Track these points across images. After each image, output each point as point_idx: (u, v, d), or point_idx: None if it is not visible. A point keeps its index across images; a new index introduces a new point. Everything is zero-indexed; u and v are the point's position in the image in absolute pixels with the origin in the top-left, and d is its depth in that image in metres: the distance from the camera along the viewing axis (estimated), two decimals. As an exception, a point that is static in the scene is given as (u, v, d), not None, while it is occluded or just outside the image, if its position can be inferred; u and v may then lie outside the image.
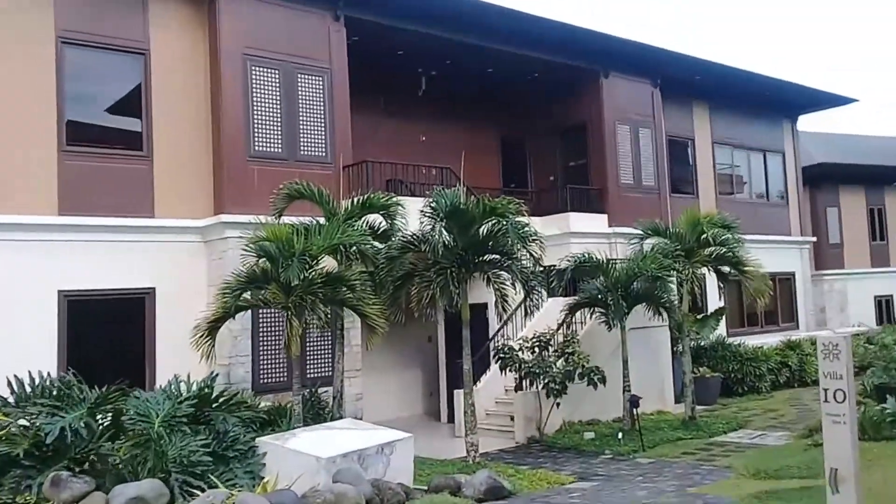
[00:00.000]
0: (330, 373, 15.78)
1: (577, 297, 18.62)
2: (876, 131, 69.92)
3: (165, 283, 15.58)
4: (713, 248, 19.46)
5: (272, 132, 16.58)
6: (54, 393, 11.26)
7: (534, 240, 15.31)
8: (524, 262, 15.55)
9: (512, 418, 17.79)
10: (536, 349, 17.65)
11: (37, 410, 10.92)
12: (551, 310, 19.10)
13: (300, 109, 17.01)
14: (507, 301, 15.23)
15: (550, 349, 17.79)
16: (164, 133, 15.90)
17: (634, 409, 16.99)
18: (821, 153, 33.60)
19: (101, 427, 11.15)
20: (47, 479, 10.17)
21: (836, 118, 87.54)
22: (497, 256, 15.55)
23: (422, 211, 15.14)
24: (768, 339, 25.50)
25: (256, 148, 16.33)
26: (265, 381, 15.77)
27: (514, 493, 12.26)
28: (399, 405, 20.92)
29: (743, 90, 27.71)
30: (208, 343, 13.19)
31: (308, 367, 16.27)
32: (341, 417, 14.45)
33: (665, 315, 18.90)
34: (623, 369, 17.78)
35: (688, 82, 25.76)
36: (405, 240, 15.38)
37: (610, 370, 17.60)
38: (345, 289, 13.90)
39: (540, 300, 16.51)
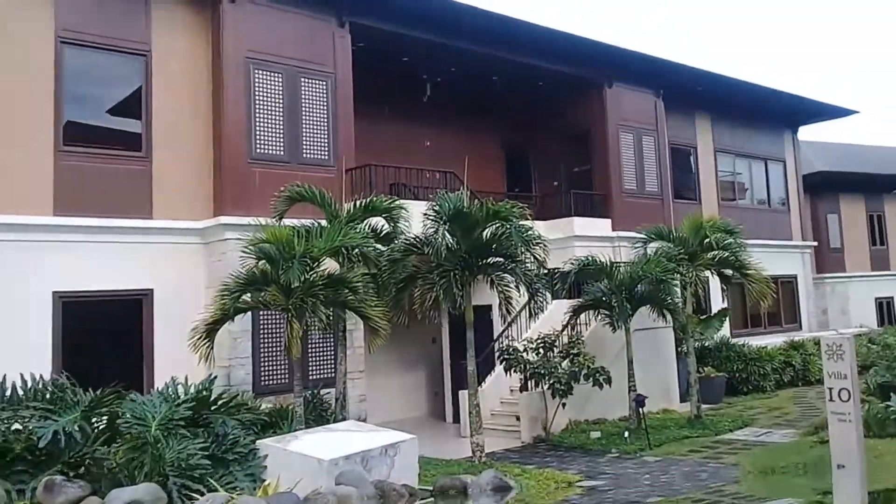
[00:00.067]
0: (333, 374, 15.25)
1: (581, 300, 18.17)
2: (870, 134, 70.03)
3: (164, 285, 15.01)
4: (716, 252, 19.06)
5: (274, 135, 16.11)
6: (47, 396, 10.70)
7: (537, 243, 14.84)
8: (528, 264, 15.04)
9: (517, 418, 17.34)
10: (541, 350, 17.20)
11: (29, 414, 10.38)
12: (556, 312, 18.65)
13: (303, 113, 16.54)
14: (510, 303, 14.76)
15: (555, 350, 17.37)
16: (164, 134, 15.39)
17: (640, 408, 16.51)
18: (821, 162, 33.44)
19: (96, 431, 10.59)
20: (41, 484, 9.69)
21: (830, 124, 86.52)
22: (501, 259, 15.08)
23: (425, 214, 14.71)
24: (772, 340, 25.02)
25: (258, 150, 15.84)
26: (266, 382, 15.21)
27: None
28: (403, 406, 20.37)
29: (744, 101, 27.48)
30: (206, 345, 12.65)
31: (310, 368, 15.76)
32: (344, 419, 13.93)
33: (669, 317, 18.48)
34: (628, 369, 17.27)
35: (690, 92, 25.50)
36: (408, 242, 14.92)
37: (615, 371, 17.14)
38: (346, 291, 13.42)
39: (544, 302, 16.09)
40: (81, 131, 14.88)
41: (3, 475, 9.88)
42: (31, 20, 14.28)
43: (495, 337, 18.79)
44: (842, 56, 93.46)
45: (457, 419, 18.36)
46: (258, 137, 15.85)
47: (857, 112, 31.14)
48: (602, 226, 22.24)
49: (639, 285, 17.61)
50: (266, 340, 15.30)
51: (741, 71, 53.69)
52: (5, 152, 13.81)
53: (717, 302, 23.65)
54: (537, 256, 14.95)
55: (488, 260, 15.01)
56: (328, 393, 15.00)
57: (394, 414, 19.07)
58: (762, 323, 27.61)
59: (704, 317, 22.67)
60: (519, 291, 15.13)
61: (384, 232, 15.03)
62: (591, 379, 16.56)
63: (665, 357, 20.52)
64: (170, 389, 11.18)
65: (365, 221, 14.80)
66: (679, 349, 20.42)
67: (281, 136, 16.16)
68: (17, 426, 10.38)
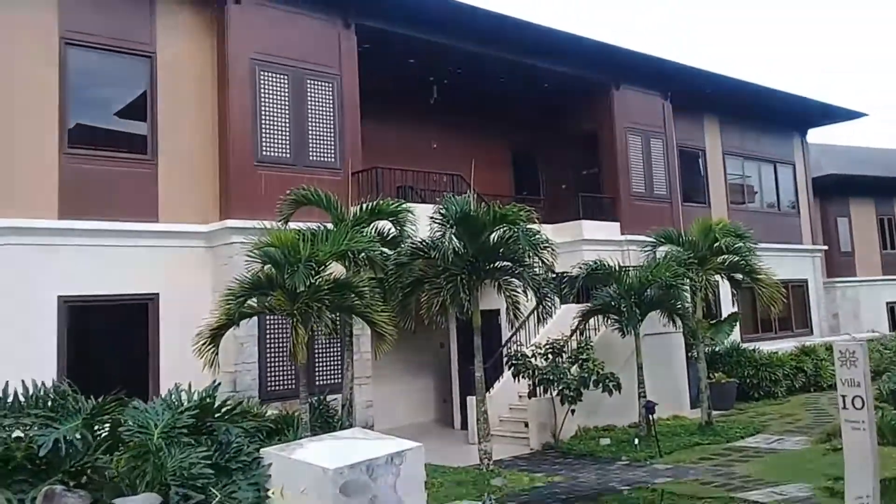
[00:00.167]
0: (340, 380, 15.06)
1: (590, 304, 17.93)
2: (871, 134, 69.71)
3: (169, 289, 14.81)
4: (726, 256, 18.93)
5: (280, 137, 15.94)
6: (49, 403, 10.47)
7: (545, 247, 14.64)
8: (536, 268, 14.86)
9: (526, 425, 17.10)
10: (550, 356, 16.99)
11: (30, 421, 10.13)
12: (564, 316, 18.38)
13: (309, 115, 16.38)
14: (518, 308, 14.60)
15: (564, 356, 17.14)
16: (170, 137, 15.21)
17: (650, 415, 16.28)
18: (830, 164, 33.20)
19: (98, 439, 10.35)
20: (40, 494, 9.38)
21: (835, 125, 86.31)
22: (508, 263, 14.90)
23: (431, 217, 14.53)
24: (783, 345, 24.80)
25: (264, 153, 15.67)
26: (273, 388, 15.02)
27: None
28: (411, 412, 20.20)
29: (753, 103, 27.25)
30: (211, 350, 12.42)
31: (317, 374, 15.54)
32: (351, 425, 13.75)
33: (679, 321, 18.23)
34: (638, 375, 17.04)
35: (698, 94, 25.30)
36: (415, 246, 14.74)
37: (625, 376, 16.93)
38: (353, 295, 13.16)
39: (552, 307, 15.81)
40: (86, 134, 14.72)
41: (3, 484, 9.65)
42: (35, 22, 14.09)
43: (503, 342, 18.56)
44: (841, 56, 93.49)
45: (465, 426, 18.11)
46: (264, 140, 15.69)
47: (866, 115, 30.95)
48: (611, 229, 22.08)
49: (648, 290, 17.37)
50: (272, 345, 15.12)
51: (741, 71, 53.69)
52: (9, 155, 13.65)
53: (728, 306, 23.42)
54: (545, 260, 14.75)
55: (496, 264, 14.84)
56: (335, 399, 14.79)
57: (401, 420, 18.94)
58: (773, 328, 27.36)
59: (714, 321, 22.38)
60: (527, 296, 14.94)
61: (391, 235, 14.86)
62: (600, 385, 16.32)
63: (675, 362, 20.27)
64: (173, 396, 10.94)
65: (371, 225, 14.64)
66: (689, 354, 20.17)
67: (287, 138, 15.99)
68: (18, 434, 10.15)
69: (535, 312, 15.81)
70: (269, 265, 12.51)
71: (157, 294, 14.75)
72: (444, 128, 21.69)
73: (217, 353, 12.55)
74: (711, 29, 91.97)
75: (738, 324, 23.27)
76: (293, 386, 14.47)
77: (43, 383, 10.94)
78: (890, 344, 24.71)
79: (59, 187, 13.98)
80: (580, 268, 17.85)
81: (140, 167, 14.95)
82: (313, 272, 12.27)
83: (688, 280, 17.96)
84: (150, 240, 14.73)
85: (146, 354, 14.60)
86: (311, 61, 16.54)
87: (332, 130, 16.65)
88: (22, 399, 10.58)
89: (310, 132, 16.35)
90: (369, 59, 17.56)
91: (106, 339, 14.60)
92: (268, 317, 14.52)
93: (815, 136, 31.86)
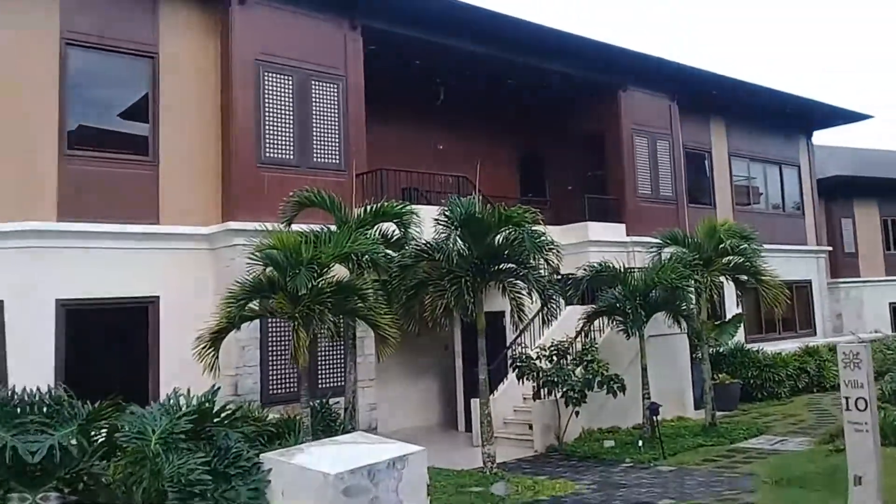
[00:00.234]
0: (343, 383, 14.73)
1: (595, 306, 17.63)
2: (871, 135, 69.21)
3: (170, 292, 14.49)
4: (731, 258, 18.65)
5: (284, 138, 15.64)
6: (44, 409, 10.12)
7: (550, 249, 14.30)
8: (541, 270, 14.54)
9: (530, 427, 16.80)
10: (554, 357, 16.67)
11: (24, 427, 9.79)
12: (569, 318, 18.14)
13: (314, 116, 16.08)
14: (522, 310, 14.27)
15: (569, 357, 16.84)
16: (172, 138, 14.90)
17: (654, 417, 15.93)
18: (835, 166, 32.88)
19: (94, 445, 10.01)
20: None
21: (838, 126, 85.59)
22: (513, 265, 14.55)
23: (436, 219, 14.18)
24: (786, 346, 24.44)
25: (267, 154, 15.36)
26: (275, 391, 14.71)
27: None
28: (415, 415, 19.85)
29: (759, 105, 27.05)
30: (211, 354, 12.07)
31: (320, 377, 15.26)
32: (353, 429, 13.42)
33: (683, 323, 17.98)
34: (642, 377, 16.72)
35: (705, 96, 25.10)
36: (419, 248, 14.39)
37: (629, 378, 16.63)
38: (356, 298, 12.85)
39: (557, 309, 15.58)
40: (87, 135, 14.41)
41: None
42: (35, 21, 13.81)
43: (508, 344, 18.28)
44: (841, 56, 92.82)
45: (469, 428, 17.78)
46: (267, 141, 15.38)
47: (872, 116, 30.72)
48: (616, 231, 21.82)
49: (653, 291, 17.08)
50: (275, 348, 14.80)
51: (742, 71, 53.34)
52: (7, 156, 13.39)
53: (732, 307, 23.07)
54: (550, 262, 14.45)
55: (500, 266, 14.52)
56: (337, 402, 14.45)
57: (405, 423, 18.69)
58: (777, 328, 27.05)
59: (719, 322, 22.15)
60: (532, 298, 14.64)
61: (395, 237, 14.54)
62: (605, 387, 16.04)
63: (679, 364, 19.98)
64: (171, 401, 10.60)
65: (375, 227, 14.34)
66: (693, 355, 19.90)
67: (291, 139, 15.70)
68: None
69: (540, 314, 15.56)
70: (271, 267, 12.19)
71: (158, 297, 14.44)
72: (450, 129, 21.38)
73: (217, 357, 12.19)
74: (711, 29, 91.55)
75: (742, 325, 23.10)
76: (295, 389, 14.09)
77: (38, 388, 10.64)
78: (893, 344, 24.46)
79: (58, 189, 13.69)
80: (585, 269, 17.57)
81: (141, 168, 14.65)
82: (315, 275, 11.93)
83: (693, 282, 17.64)
84: (151, 242, 14.42)
85: (146, 358, 14.30)
86: (317, 62, 16.24)
87: (336, 132, 16.35)
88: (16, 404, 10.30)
89: (314, 133, 16.05)
90: (375, 60, 17.28)
91: (105, 343, 14.30)
92: (270, 320, 14.19)
93: (820, 137, 31.78)
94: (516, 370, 16.65)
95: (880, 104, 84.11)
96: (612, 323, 17.70)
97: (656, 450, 15.25)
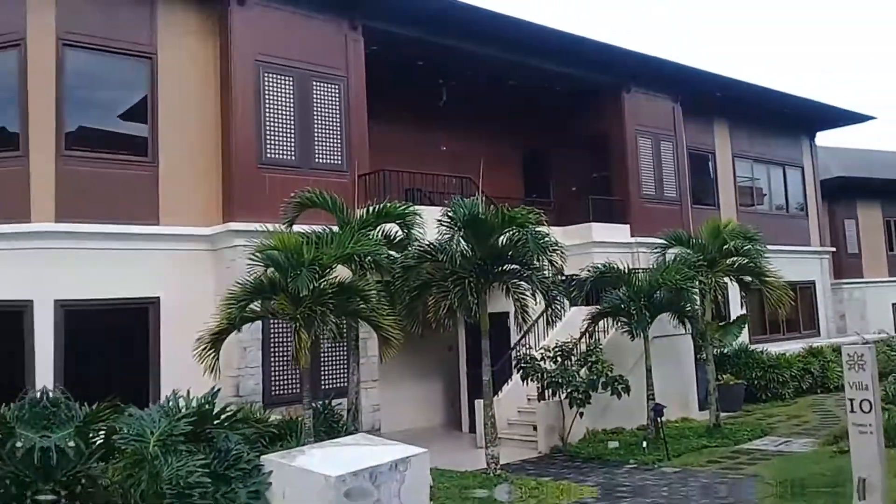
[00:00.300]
0: (346, 384, 14.51)
1: (599, 307, 17.46)
2: (872, 135, 68.88)
3: (171, 293, 14.30)
4: (735, 259, 18.50)
5: (285, 139, 15.46)
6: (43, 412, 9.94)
7: (554, 250, 14.16)
8: (545, 271, 14.41)
9: (534, 428, 16.61)
10: (559, 359, 16.44)
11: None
12: (573, 319, 17.87)
13: (315, 117, 15.90)
14: (526, 311, 14.09)
15: (573, 358, 16.60)
16: (171, 138, 14.72)
17: (659, 418, 15.73)
18: (838, 167, 32.71)
19: (92, 447, 9.80)
20: (30, 505, 8.91)
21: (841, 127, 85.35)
22: (517, 266, 14.38)
23: (439, 220, 14.02)
24: (790, 346, 24.24)
25: (268, 155, 15.18)
26: (277, 393, 14.53)
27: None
28: (419, 415, 19.61)
29: (762, 106, 26.84)
30: (212, 356, 11.90)
31: (323, 378, 15.07)
32: (356, 430, 13.24)
33: (688, 324, 17.78)
34: (646, 378, 16.53)
35: (708, 98, 24.90)
36: (422, 249, 14.23)
37: (633, 379, 16.47)
38: (358, 299, 12.71)
39: (561, 310, 15.35)
40: (85, 135, 14.28)
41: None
42: (32, 22, 13.66)
43: (512, 345, 18.05)
44: (841, 56, 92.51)
45: (473, 429, 17.56)
46: (268, 141, 15.22)
47: (874, 118, 30.57)
48: (621, 232, 21.64)
49: (657, 292, 16.92)
50: (276, 349, 14.62)
51: (742, 71, 53.12)
52: (5, 157, 13.29)
53: (736, 308, 22.81)
54: (554, 263, 14.31)
55: (504, 267, 14.35)
56: (340, 403, 14.24)
57: (409, 424, 18.44)
58: (781, 329, 26.86)
59: (723, 323, 21.99)
60: (536, 299, 14.43)
61: (398, 238, 14.37)
62: (609, 388, 15.86)
63: (684, 365, 19.76)
64: (170, 403, 10.40)
65: (378, 228, 14.18)
66: (698, 356, 19.68)
67: (292, 140, 15.52)
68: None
69: (545, 315, 15.31)
70: (272, 268, 12.05)
71: (158, 298, 14.25)
72: (453, 130, 21.16)
73: (218, 359, 12.03)
74: (711, 29, 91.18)
75: (746, 325, 22.91)
76: (298, 390, 13.81)
77: (35, 390, 10.49)
78: (896, 344, 24.18)
79: (57, 190, 13.52)
80: (589, 270, 17.40)
81: (140, 169, 14.48)
82: (317, 276, 11.78)
83: (697, 282, 17.51)
84: (151, 242, 14.24)
85: (146, 360, 14.12)
86: (317, 63, 16.08)
87: (338, 132, 16.19)
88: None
89: (315, 134, 15.89)
90: (377, 60, 17.10)
91: (105, 345, 14.10)
92: (272, 321, 14.01)
93: (821, 138, 31.64)
94: (520, 371, 16.46)
95: (880, 104, 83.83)
96: (617, 324, 17.56)
97: (661, 451, 15.07)
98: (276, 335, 14.58)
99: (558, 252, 14.21)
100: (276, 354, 14.59)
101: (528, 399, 17.40)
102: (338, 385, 15.02)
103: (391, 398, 17.57)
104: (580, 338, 17.31)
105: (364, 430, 13.75)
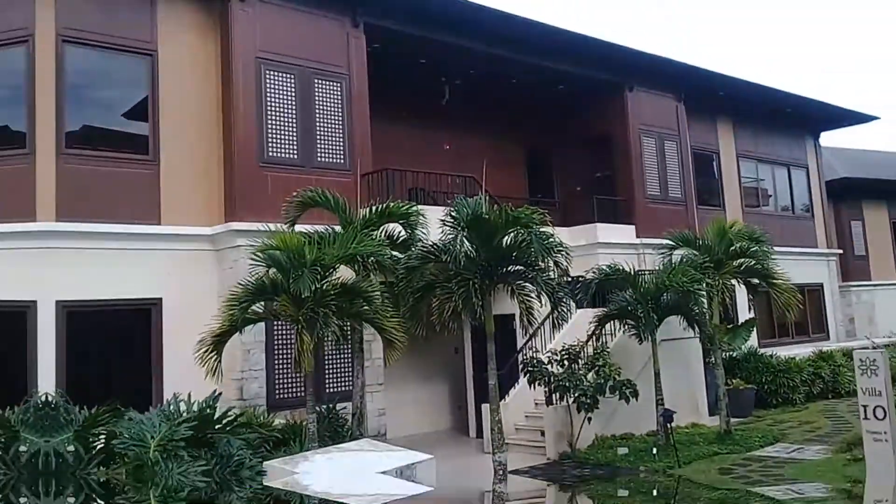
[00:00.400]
0: (351, 387, 14.35)
1: (606, 309, 17.24)
2: (874, 134, 68.78)
3: (173, 294, 14.17)
4: (742, 260, 18.29)
5: (287, 138, 15.33)
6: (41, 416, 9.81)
7: (559, 250, 13.99)
8: (550, 273, 14.18)
9: (542, 433, 16.33)
10: (566, 362, 16.21)
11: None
12: (580, 322, 17.74)
13: (317, 115, 15.78)
14: (532, 313, 13.88)
15: (580, 362, 16.39)
16: (172, 137, 14.62)
17: (668, 424, 15.50)
18: (843, 168, 32.59)
19: (92, 452, 9.67)
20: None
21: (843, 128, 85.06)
22: (521, 268, 14.22)
23: (443, 220, 13.86)
24: (800, 350, 23.98)
25: (270, 154, 15.05)
26: (281, 396, 14.34)
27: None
28: (425, 420, 19.41)
29: (766, 106, 26.81)
30: (214, 358, 11.77)
31: (327, 381, 14.88)
32: (361, 435, 13.08)
33: (696, 327, 17.56)
34: (655, 382, 16.32)
35: (712, 97, 24.87)
36: (426, 250, 14.04)
37: (642, 383, 16.22)
38: (361, 301, 12.57)
39: (567, 312, 15.17)
40: (85, 134, 14.19)
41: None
42: (31, 18, 13.55)
43: (518, 348, 17.91)
44: (841, 56, 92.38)
45: (480, 434, 17.37)
46: (270, 140, 15.09)
47: (878, 118, 30.52)
48: (626, 232, 21.49)
49: (665, 294, 16.70)
50: (280, 352, 14.46)
51: (742, 72, 52.86)
52: (5, 156, 13.16)
53: (744, 311, 22.70)
54: (559, 264, 14.11)
55: (509, 268, 14.19)
56: (345, 407, 14.08)
57: (415, 428, 18.25)
58: (789, 332, 26.65)
59: (732, 326, 21.58)
60: (541, 301, 14.27)
61: (401, 239, 14.22)
62: (617, 392, 15.62)
63: (692, 369, 19.55)
64: (171, 407, 10.27)
65: (381, 228, 14.05)
66: (707, 360, 19.46)
67: (294, 138, 15.40)
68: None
69: (551, 317, 15.18)
70: (274, 269, 11.95)
71: (160, 299, 14.12)
72: (457, 129, 21.06)
73: (220, 361, 11.89)
74: (711, 29, 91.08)
75: (755, 329, 22.60)
76: (302, 394, 13.68)
77: (33, 392, 10.35)
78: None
79: (57, 189, 13.41)
80: (595, 272, 17.24)
81: (141, 168, 14.37)
82: (319, 277, 11.72)
83: (704, 285, 17.22)
84: (152, 242, 14.12)
85: (149, 362, 13.97)
86: (319, 60, 15.98)
87: (340, 131, 16.08)
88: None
89: (317, 133, 15.78)
90: (379, 59, 17.05)
91: (107, 346, 14.00)
92: (275, 323, 13.91)
93: (825, 139, 31.51)
94: (527, 375, 16.27)
95: (880, 105, 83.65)
96: (624, 327, 17.33)
97: (671, 457, 14.79)
98: (280, 337, 14.42)
99: (563, 253, 14.04)
100: (281, 357, 14.43)
101: (536, 403, 17.17)
102: (343, 389, 14.86)
103: (397, 402, 17.38)
104: (587, 341, 17.13)
105: (369, 435, 13.60)
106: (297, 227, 13.24)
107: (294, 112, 15.46)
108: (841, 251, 31.02)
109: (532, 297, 14.03)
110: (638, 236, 21.55)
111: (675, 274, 16.63)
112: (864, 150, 37.12)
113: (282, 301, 11.85)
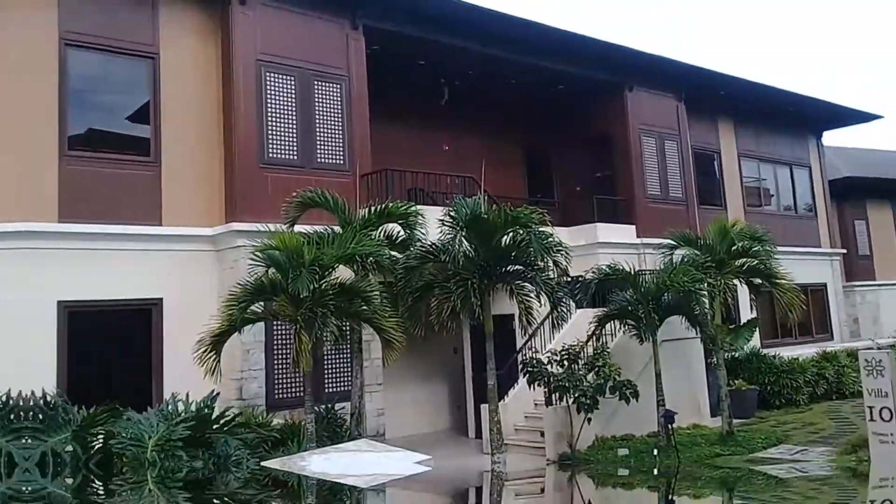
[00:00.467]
0: (350, 387, 14.36)
1: (606, 309, 17.18)
2: (874, 134, 68.62)
3: (173, 294, 14.26)
4: (744, 260, 18.25)
5: (287, 139, 15.44)
6: (40, 416, 9.88)
7: (559, 250, 14.18)
8: (549, 273, 14.33)
9: (542, 434, 16.25)
10: (566, 362, 16.15)
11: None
12: (580, 322, 17.71)
13: (317, 116, 15.90)
14: (531, 313, 14.08)
15: (580, 362, 16.34)
16: (173, 139, 14.74)
17: (669, 425, 15.50)
18: (846, 167, 32.55)
19: (90, 451, 9.75)
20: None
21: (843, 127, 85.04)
22: (520, 267, 14.41)
23: (441, 220, 14.02)
24: (803, 351, 23.90)
25: (270, 155, 15.15)
26: (280, 396, 14.39)
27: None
28: (424, 420, 19.38)
29: (768, 105, 26.76)
30: (213, 358, 11.86)
31: (326, 381, 14.94)
32: (360, 435, 13.13)
33: (698, 327, 17.48)
34: (656, 382, 16.27)
35: (712, 96, 24.86)
36: (424, 250, 14.23)
37: (642, 383, 16.15)
38: (360, 301, 12.64)
39: (567, 312, 15.22)
40: (87, 136, 14.31)
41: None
42: (34, 22, 13.68)
43: (518, 348, 17.83)
44: (841, 56, 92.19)
45: (479, 434, 17.25)
46: (270, 141, 15.19)
47: (881, 117, 30.39)
48: (626, 232, 21.50)
49: (665, 294, 16.63)
50: (280, 352, 14.51)
51: (742, 72, 52.85)
52: (7, 157, 13.22)
53: (746, 311, 22.52)
54: (559, 264, 14.28)
55: (508, 268, 14.35)
56: (344, 407, 14.14)
57: (414, 429, 18.23)
58: (793, 333, 26.57)
59: (734, 327, 21.59)
60: (540, 301, 14.42)
61: (400, 239, 14.33)
62: (617, 392, 15.56)
63: (694, 369, 19.48)
64: (169, 407, 10.35)
65: (380, 228, 14.15)
66: (708, 361, 19.37)
67: (294, 140, 15.51)
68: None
69: (550, 318, 15.21)
70: (273, 269, 12.06)
71: (161, 299, 14.21)
72: (456, 129, 21.13)
73: (219, 361, 11.98)
74: (711, 29, 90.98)
75: (757, 329, 22.63)
76: (301, 394, 13.72)
77: (33, 393, 10.42)
78: (912, 349, 23.87)
79: (59, 190, 13.53)
80: (595, 272, 17.20)
81: (143, 169, 14.49)
82: (318, 276, 11.83)
83: (706, 284, 17.16)
84: (154, 243, 14.22)
85: (149, 362, 14.04)
86: (319, 62, 16.09)
87: (340, 132, 16.18)
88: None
89: (317, 134, 15.88)
90: (378, 60, 17.13)
91: (107, 346, 14.08)
92: (275, 323, 13.98)
93: (828, 138, 31.46)
94: (527, 375, 16.20)
95: (881, 104, 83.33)
96: (624, 327, 17.27)
97: (672, 459, 14.83)
98: (280, 337, 14.49)
99: (563, 253, 14.20)
100: (280, 357, 14.49)
101: (535, 404, 17.10)
102: (341, 389, 14.90)
103: (396, 402, 17.41)
104: (587, 341, 17.07)
105: (368, 435, 13.64)
106: (297, 228, 13.33)
107: (294, 113, 15.57)
108: (844, 251, 30.92)
109: (531, 297, 14.15)
110: (638, 236, 21.55)
111: (676, 273, 16.54)
112: (867, 149, 36.99)
113: (280, 301, 11.95)
